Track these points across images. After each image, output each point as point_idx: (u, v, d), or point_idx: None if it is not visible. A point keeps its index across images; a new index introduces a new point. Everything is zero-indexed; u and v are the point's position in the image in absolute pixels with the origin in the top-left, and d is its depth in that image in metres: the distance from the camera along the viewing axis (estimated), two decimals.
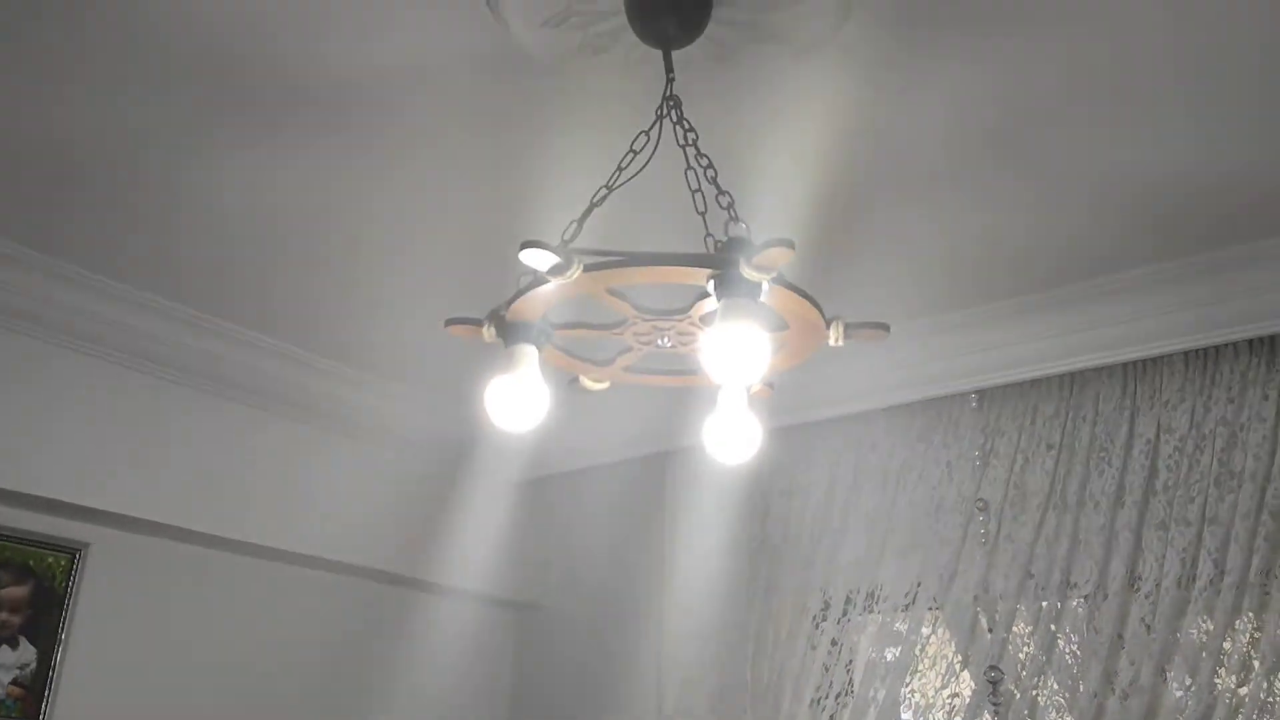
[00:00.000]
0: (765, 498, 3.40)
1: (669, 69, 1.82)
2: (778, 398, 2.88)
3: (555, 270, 1.48)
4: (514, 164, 2.28)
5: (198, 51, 2.04)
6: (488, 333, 1.70)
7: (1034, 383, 2.96)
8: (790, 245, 1.43)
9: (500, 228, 2.42)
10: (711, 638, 3.35)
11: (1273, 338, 2.62)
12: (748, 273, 1.47)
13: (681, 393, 3.44)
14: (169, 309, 3.03)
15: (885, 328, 1.68)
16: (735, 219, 1.57)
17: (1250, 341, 2.65)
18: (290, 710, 3.31)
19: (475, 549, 3.73)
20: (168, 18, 1.95)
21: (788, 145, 2.06)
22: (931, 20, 1.91)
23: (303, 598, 3.42)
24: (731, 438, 1.79)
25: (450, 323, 1.72)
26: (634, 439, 3.70)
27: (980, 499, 2.96)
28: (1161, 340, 2.75)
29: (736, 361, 1.47)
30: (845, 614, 3.15)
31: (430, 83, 2.10)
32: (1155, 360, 2.78)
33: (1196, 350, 2.72)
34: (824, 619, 3.18)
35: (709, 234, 1.78)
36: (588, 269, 1.50)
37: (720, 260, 1.49)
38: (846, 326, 1.67)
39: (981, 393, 3.03)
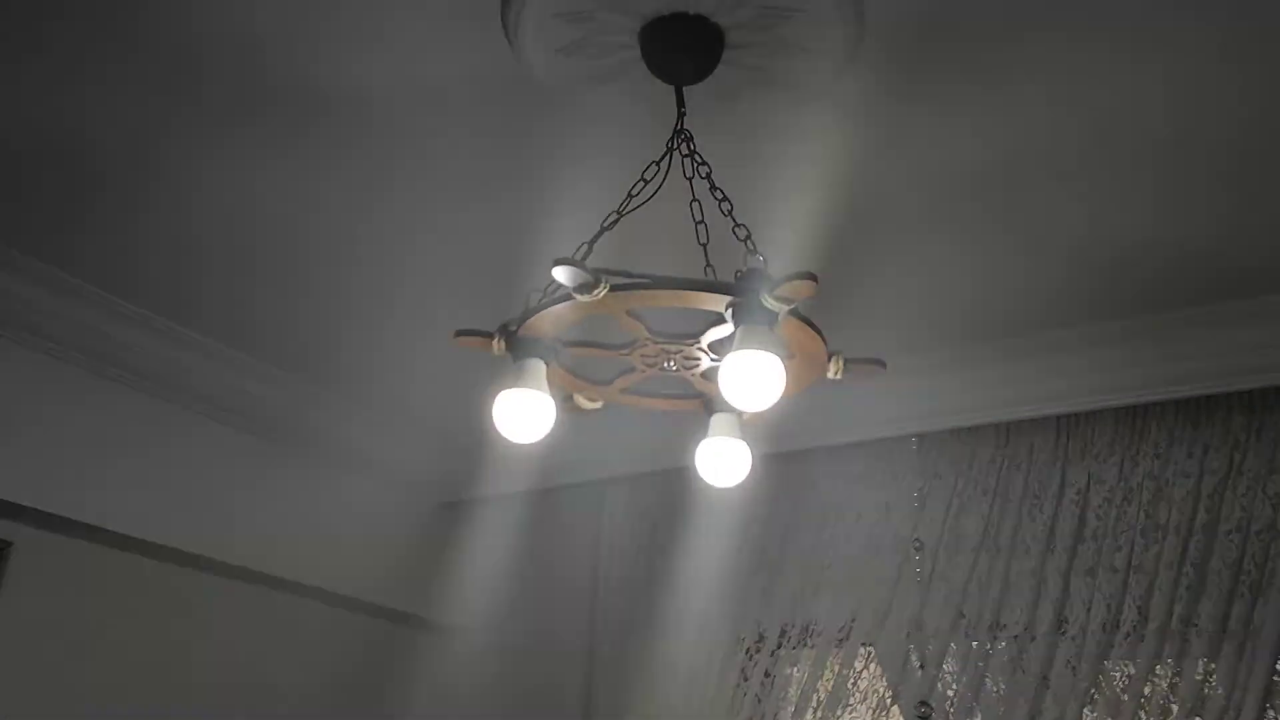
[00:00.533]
0: (702, 531, 3.44)
1: (680, 104, 1.89)
2: None
3: (583, 288, 1.53)
4: (513, 187, 2.32)
5: (199, 54, 2.04)
6: (498, 346, 1.72)
7: (973, 429, 3.08)
8: (814, 278, 1.50)
9: (498, 252, 2.46)
10: (642, 667, 3.38)
11: (1198, 400, 2.80)
12: (768, 302, 1.53)
13: (622, 426, 3.56)
14: (130, 312, 2.97)
15: (882, 364, 1.76)
16: (754, 250, 1.63)
17: (1177, 402, 2.82)
18: None
19: (390, 563, 3.71)
20: (168, 19, 1.94)
21: (782, 187, 2.14)
22: (922, 78, 2.03)
23: (242, 613, 3.35)
24: (724, 462, 1.84)
25: (460, 334, 1.74)
26: (572, 465, 3.71)
27: (917, 539, 3.07)
28: (1095, 396, 2.90)
29: (753, 386, 1.53)
30: (780, 646, 3.21)
31: (435, 100, 2.13)
32: (1088, 415, 2.94)
33: (1127, 407, 2.88)
34: (758, 651, 3.23)
35: (709, 265, 1.86)
36: (614, 289, 1.55)
37: (742, 289, 1.55)
38: (846, 361, 1.74)
39: (921, 436, 3.15)
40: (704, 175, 1.79)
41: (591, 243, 1.77)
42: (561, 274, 1.50)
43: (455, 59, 2.02)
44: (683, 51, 1.89)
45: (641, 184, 1.81)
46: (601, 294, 1.53)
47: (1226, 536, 2.67)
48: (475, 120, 2.15)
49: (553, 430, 3.48)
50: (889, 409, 3.15)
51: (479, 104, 2.11)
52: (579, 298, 1.54)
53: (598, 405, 1.92)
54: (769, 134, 2.10)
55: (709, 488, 3.32)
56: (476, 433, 3.63)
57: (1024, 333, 2.92)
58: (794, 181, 2.16)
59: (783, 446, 3.27)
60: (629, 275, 1.56)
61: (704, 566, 3.38)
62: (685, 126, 1.87)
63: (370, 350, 3.24)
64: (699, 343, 1.69)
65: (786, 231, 2.16)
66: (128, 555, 3.07)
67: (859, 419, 3.20)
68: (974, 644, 2.91)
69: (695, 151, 1.84)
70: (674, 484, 3.50)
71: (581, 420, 3.49)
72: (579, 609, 3.62)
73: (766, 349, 1.53)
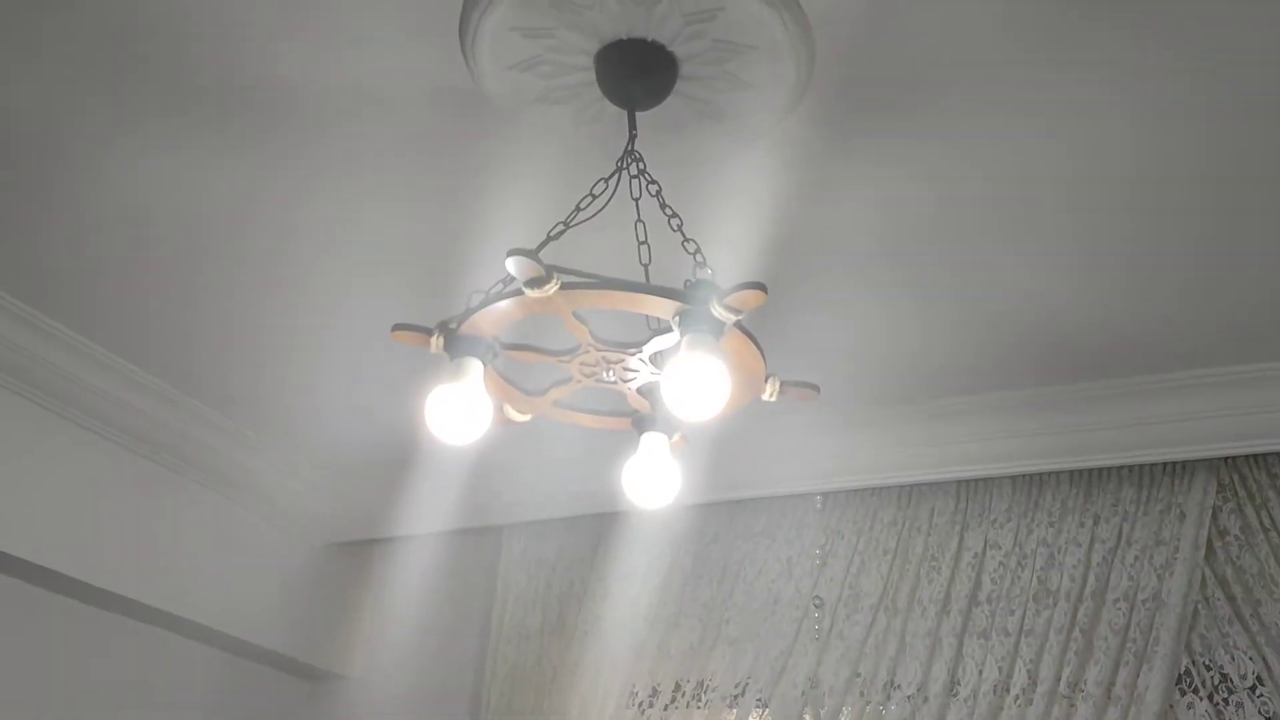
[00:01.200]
0: (602, 581, 3.41)
1: (632, 125, 1.92)
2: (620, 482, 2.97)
3: (534, 283, 1.52)
4: (455, 204, 2.30)
5: (131, 34, 1.98)
6: (435, 342, 1.70)
7: (874, 490, 3.14)
8: (763, 289, 1.52)
9: (429, 271, 2.43)
10: (528, 717, 3.29)
11: (1090, 471, 2.91)
12: (717, 311, 1.55)
13: (523, 470, 3.52)
14: (16, 310, 2.80)
15: (816, 389, 1.79)
16: (703, 264, 1.65)
17: (1071, 473, 2.93)
18: None
19: (272, 603, 3.56)
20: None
21: (719, 223, 2.18)
22: (859, 129, 2.11)
23: (111, 642, 3.16)
24: (653, 482, 1.84)
25: (398, 328, 1.71)
26: (472, 508, 3.65)
27: (817, 596, 3.09)
28: (994, 464, 3.00)
29: (697, 392, 1.53)
30: (673, 702, 3.17)
31: (381, 106, 2.11)
32: (987, 481, 3.03)
33: (1024, 475, 2.98)
34: (650, 706, 3.19)
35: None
36: (564, 287, 1.55)
37: (692, 296, 1.56)
38: (782, 384, 1.76)
39: (826, 494, 3.19)
40: (654, 193, 1.82)
41: (538, 249, 1.76)
42: (514, 265, 1.50)
43: (407, 66, 2.02)
44: (637, 77, 1.92)
45: (590, 198, 1.82)
46: (551, 290, 1.53)
47: (1114, 604, 2.76)
48: (422, 130, 2.14)
49: (451, 470, 3.52)
50: (795, 466, 3.19)
51: (427, 114, 2.10)
52: (529, 292, 1.53)
53: (526, 418, 1.90)
54: (713, 168, 2.14)
55: (610, 536, 3.39)
56: (372, 470, 3.60)
57: (930, 397, 3.00)
58: (731, 219, 2.20)
59: (687, 499, 3.27)
60: (580, 274, 1.56)
61: (600, 617, 3.34)
62: (636, 149, 1.90)
63: (272, 376, 3.13)
64: (640, 352, 1.70)
65: (723, 262, 2.19)
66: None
67: (764, 475, 3.23)
68: (868, 704, 2.92)
69: (645, 171, 1.86)
70: (575, 532, 3.47)
71: (483, 463, 3.53)
72: (470, 657, 3.53)
73: (714, 355, 1.54)
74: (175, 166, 2.30)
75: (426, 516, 3.66)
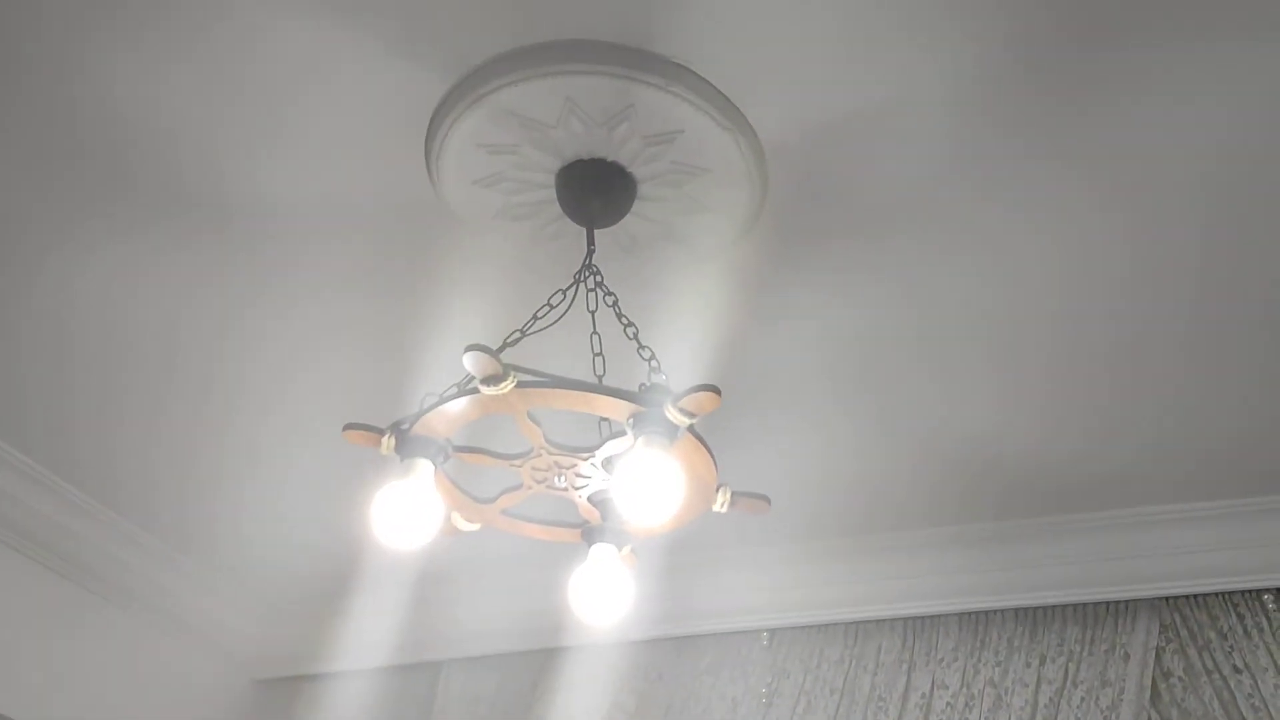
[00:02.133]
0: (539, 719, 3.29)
1: (590, 242, 1.96)
2: (563, 617, 2.89)
3: (491, 380, 1.53)
4: (400, 316, 2.32)
5: (80, 134, 2.00)
6: (386, 444, 1.68)
7: (822, 628, 3.10)
8: (717, 392, 1.54)
9: (386, 375, 2.41)
10: None
11: (1035, 610, 2.91)
12: (671, 414, 1.56)
13: (462, 602, 3.43)
14: None
15: (766, 500, 1.79)
16: (658, 370, 1.67)
17: (1016, 611, 2.93)
18: None
19: None
20: (65, 90, 1.92)
21: (673, 340, 2.21)
22: (805, 255, 2.18)
23: None
24: (602, 594, 1.80)
25: (349, 428, 1.70)
26: (406, 643, 3.54)
27: None
28: (939, 600, 2.98)
29: (650, 492, 1.53)
30: None
31: (336, 213, 2.15)
32: (933, 618, 3.00)
33: (970, 613, 2.97)
34: None
35: None
36: (520, 385, 1.55)
37: (646, 399, 1.58)
38: (733, 494, 1.76)
39: (772, 631, 3.14)
40: (610, 304, 1.85)
41: (497, 352, 1.78)
42: (471, 361, 1.51)
43: (369, 172, 2.07)
44: (597, 195, 1.98)
45: (548, 308, 1.85)
46: (508, 388, 1.54)
47: None
48: (379, 235, 2.17)
49: (387, 603, 3.42)
50: (741, 600, 3.16)
51: (385, 219, 2.14)
52: (485, 389, 1.54)
53: (475, 527, 1.87)
54: (665, 285, 2.19)
55: (551, 672, 3.29)
56: (307, 600, 3.49)
57: (876, 531, 3.01)
58: (682, 338, 2.24)
59: (629, 634, 3.22)
60: (536, 374, 1.57)
61: None
62: (594, 263, 1.94)
63: (201, 493, 3.06)
64: (593, 457, 1.69)
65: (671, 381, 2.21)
66: None
67: (709, 609, 3.19)
68: None
69: (602, 284, 1.90)
70: (515, 667, 3.37)
71: (423, 595, 3.44)
72: None
73: (666, 457, 1.55)
74: (110, 271, 2.30)
75: (360, 651, 3.55)
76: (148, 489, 3.06)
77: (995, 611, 2.94)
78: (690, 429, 1.63)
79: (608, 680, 3.26)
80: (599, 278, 1.91)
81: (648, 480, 1.52)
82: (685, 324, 2.22)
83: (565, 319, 1.94)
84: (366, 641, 3.53)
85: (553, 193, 2.01)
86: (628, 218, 2.04)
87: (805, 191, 2.05)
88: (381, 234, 2.18)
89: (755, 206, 2.04)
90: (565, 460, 1.71)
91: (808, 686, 3.04)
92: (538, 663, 3.33)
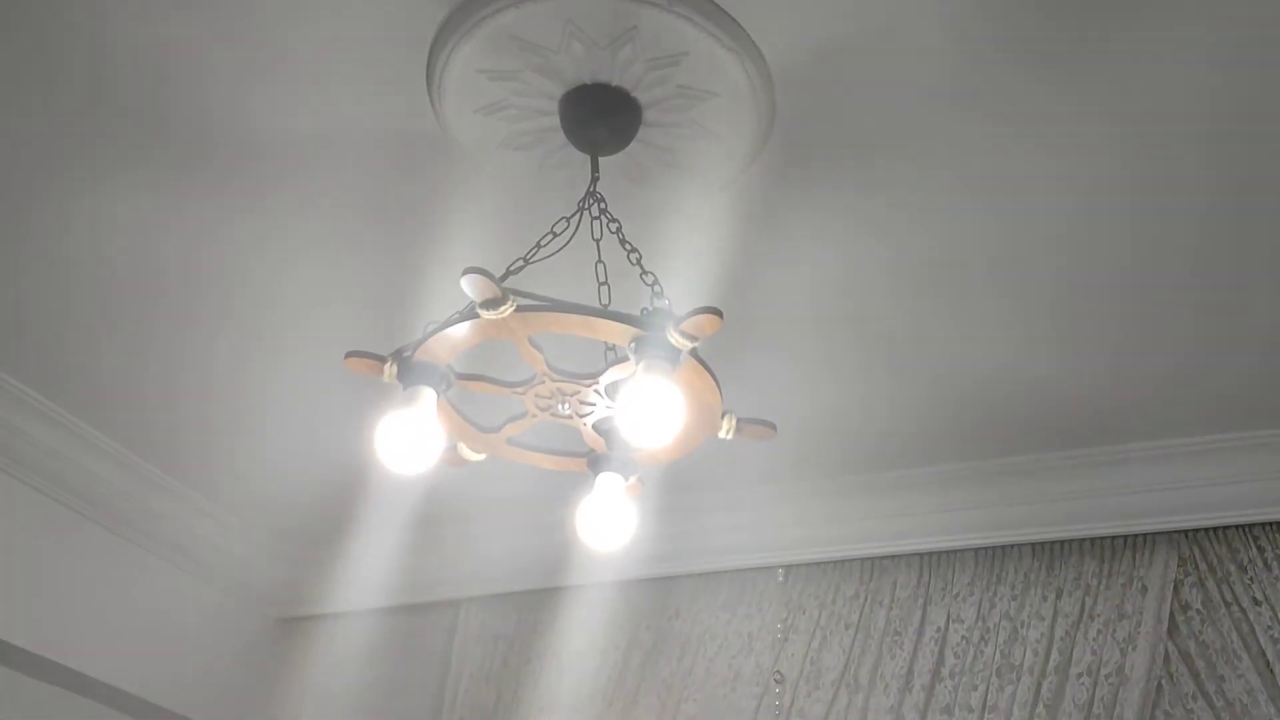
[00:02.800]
0: (558, 657, 3.31)
1: (595, 169, 1.94)
2: (581, 555, 2.90)
3: (490, 303, 1.51)
4: (407, 249, 2.30)
5: (82, 73, 1.98)
6: (389, 371, 1.67)
7: (837, 563, 3.10)
8: (719, 314, 1.52)
9: (386, 316, 2.41)
10: None
11: (1052, 544, 2.89)
12: (673, 338, 1.54)
13: (482, 541, 3.45)
14: None
15: (772, 426, 1.77)
16: (661, 295, 1.65)
17: (1033, 546, 2.91)
18: None
19: (214, 675, 3.44)
20: (58, 33, 1.90)
21: (679, 271, 2.19)
22: (815, 183, 2.14)
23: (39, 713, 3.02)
24: (607, 522, 1.80)
25: (351, 355, 1.69)
26: (425, 582, 3.57)
27: (778, 672, 3.02)
28: (955, 535, 2.97)
29: (653, 416, 1.51)
30: None
31: (343, 151, 2.13)
32: (949, 554, 2.99)
33: (986, 548, 2.95)
34: None
35: None
36: (520, 309, 1.54)
37: (648, 322, 1.56)
38: (739, 421, 1.75)
39: (788, 568, 3.14)
40: (614, 230, 1.82)
41: (500, 280, 1.76)
42: (470, 284, 1.49)
43: (372, 108, 2.04)
44: (601, 122, 1.95)
45: (551, 236, 1.83)
46: (507, 312, 1.52)
47: (1078, 679, 2.71)
48: (382, 166, 2.15)
49: (409, 542, 3.44)
50: (756, 537, 3.15)
51: (389, 150, 2.12)
52: (484, 313, 1.52)
53: (480, 457, 1.86)
54: (671, 214, 2.16)
55: (569, 609, 3.31)
56: (327, 542, 3.52)
57: (888, 467, 2.99)
58: (689, 268, 2.21)
59: (647, 571, 3.23)
60: (536, 298, 1.56)
61: (557, 695, 3.24)
62: (598, 190, 1.91)
63: (220, 436, 3.08)
64: (596, 384, 1.68)
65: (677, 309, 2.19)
66: None
67: (726, 546, 3.19)
68: None
69: (606, 211, 1.87)
70: (534, 605, 3.39)
71: (440, 535, 3.46)
72: None
73: (668, 381, 1.53)
74: (139, 214, 2.30)
75: (380, 590, 3.58)
76: (172, 432, 3.08)
77: (1012, 546, 2.93)
78: (694, 354, 1.62)
79: (626, 617, 3.28)
80: (603, 205, 1.89)
81: (649, 405, 1.51)
82: (691, 253, 2.20)
83: (570, 248, 1.91)
84: (386, 582, 3.56)
85: (556, 120, 1.98)
86: (633, 144, 2.01)
87: (813, 117, 2.01)
88: (387, 166, 2.16)
89: (762, 132, 2.00)
90: (569, 387, 1.70)
91: (823, 622, 3.04)
92: (556, 601, 3.35)
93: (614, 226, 1.83)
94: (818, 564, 3.11)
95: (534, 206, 2.11)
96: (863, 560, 3.07)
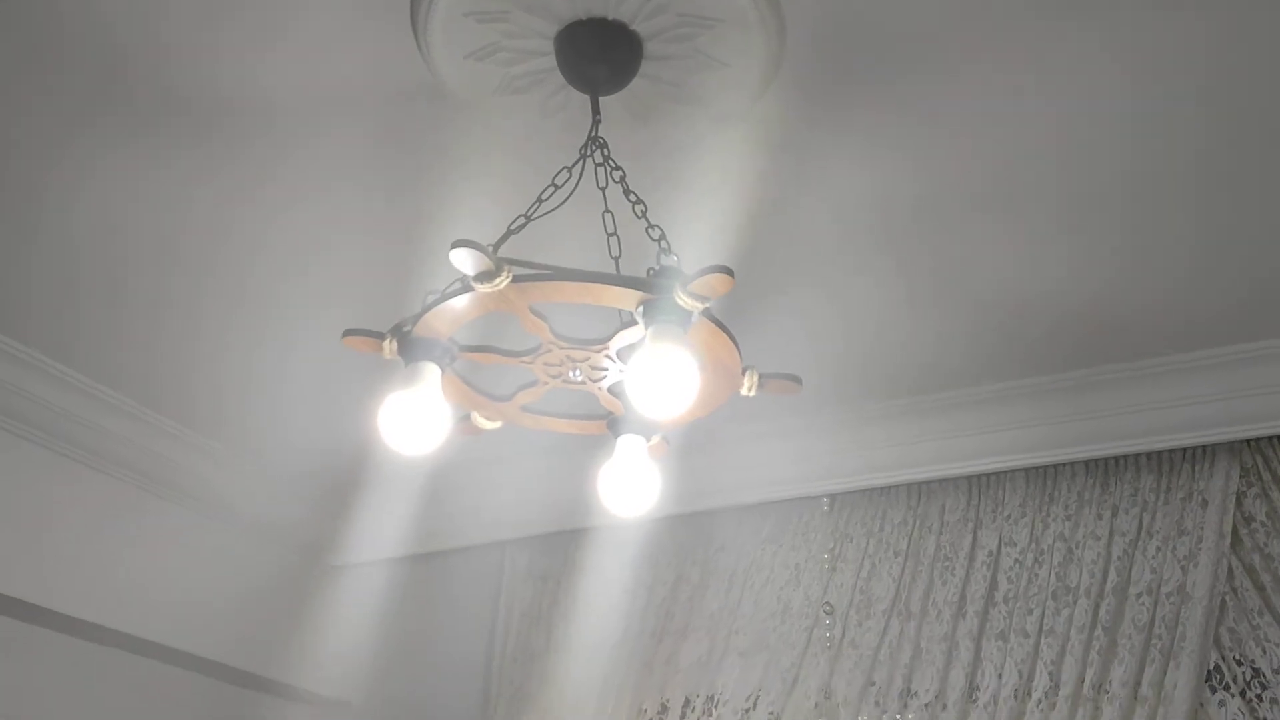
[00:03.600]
0: (606, 595, 3.29)
1: (595, 111, 1.81)
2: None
3: (484, 276, 1.42)
4: (412, 204, 2.20)
5: (70, 40, 1.89)
6: (388, 347, 1.59)
7: (884, 490, 3.02)
8: (730, 273, 1.41)
9: (394, 272, 2.33)
10: None
11: (1106, 460, 2.78)
12: (682, 299, 1.44)
13: (525, 482, 3.42)
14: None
15: (797, 380, 1.67)
16: (668, 251, 1.54)
17: (1087, 463, 2.80)
18: None
19: (263, 626, 3.47)
20: (64, 6, 1.81)
21: (693, 211, 2.07)
22: (838, 107, 1.99)
23: (84, 672, 3.07)
24: (630, 488, 1.72)
25: (348, 334, 1.61)
26: (469, 526, 3.55)
27: (827, 603, 2.97)
28: (1005, 456, 2.86)
29: (664, 388, 1.42)
30: (683, 718, 3.05)
31: (335, 103, 2.02)
32: (999, 475, 2.89)
33: (1037, 468, 2.85)
34: None
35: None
36: (517, 279, 1.44)
37: (655, 285, 1.46)
38: (760, 377, 1.65)
39: (833, 496, 3.07)
40: (617, 180, 1.71)
41: (497, 245, 1.66)
42: (461, 258, 1.40)
43: (361, 60, 1.93)
44: (599, 59, 1.82)
45: (552, 189, 1.72)
46: (503, 284, 1.43)
47: (1137, 599, 2.62)
48: (378, 126, 2.05)
49: (451, 485, 3.42)
50: (801, 467, 3.08)
51: (383, 108, 2.01)
52: (479, 287, 1.43)
53: (496, 425, 1.79)
54: (684, 153, 2.04)
55: (615, 548, 3.28)
56: (368, 487, 3.50)
57: (934, 389, 2.88)
58: (706, 207, 2.09)
59: (691, 506, 3.17)
60: (534, 266, 1.46)
61: (607, 632, 3.22)
62: (600, 134, 1.79)
63: (247, 390, 3.03)
64: (606, 349, 1.59)
65: (697, 255, 2.08)
66: None
67: (769, 477, 3.12)
68: (884, 713, 2.79)
69: (609, 159, 1.76)
70: (579, 545, 3.36)
71: (482, 476, 3.43)
72: (472, 680, 3.42)
73: (679, 346, 1.43)
74: (144, 190, 2.24)
75: (425, 535, 3.57)
76: (210, 398, 3.06)
77: (1064, 465, 2.82)
78: (707, 314, 1.51)
79: (671, 552, 3.24)
80: (606, 151, 1.77)
81: (660, 374, 1.42)
82: (711, 192, 2.08)
83: (577, 198, 1.81)
84: (433, 526, 3.55)
85: (553, 60, 1.86)
86: (636, 81, 1.88)
87: (828, 36, 1.86)
88: (380, 121, 2.05)
89: (773, 56, 1.86)
90: (578, 354, 1.61)
91: (871, 550, 2.97)
92: (601, 539, 3.31)
93: (617, 175, 1.72)
94: (863, 491, 3.03)
95: (537, 154, 1.99)
96: (909, 485, 2.99)
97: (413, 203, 2.18)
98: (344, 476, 3.45)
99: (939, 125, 2.03)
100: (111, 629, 3.01)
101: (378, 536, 3.52)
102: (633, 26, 1.80)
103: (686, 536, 3.22)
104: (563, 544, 3.40)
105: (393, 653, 3.51)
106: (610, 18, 1.78)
